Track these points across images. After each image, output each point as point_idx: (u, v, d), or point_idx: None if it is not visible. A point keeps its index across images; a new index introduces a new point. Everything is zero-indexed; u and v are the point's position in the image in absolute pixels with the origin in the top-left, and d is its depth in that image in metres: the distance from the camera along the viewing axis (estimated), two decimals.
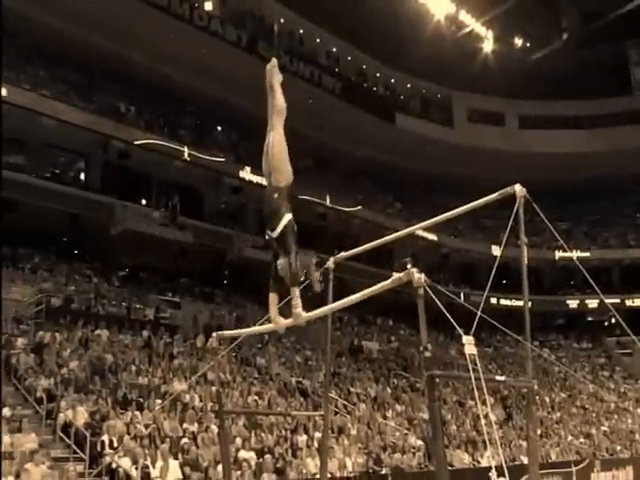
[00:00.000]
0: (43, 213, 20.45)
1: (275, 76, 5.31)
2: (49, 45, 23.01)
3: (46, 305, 17.76)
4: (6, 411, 11.75)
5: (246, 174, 25.70)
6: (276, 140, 5.16)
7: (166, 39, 24.44)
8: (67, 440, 11.86)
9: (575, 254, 31.13)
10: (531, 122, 37.38)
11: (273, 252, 5.17)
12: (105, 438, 11.54)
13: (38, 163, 22.52)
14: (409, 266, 4.07)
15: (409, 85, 36.36)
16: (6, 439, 10.78)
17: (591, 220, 38.73)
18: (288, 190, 5.15)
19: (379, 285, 4.37)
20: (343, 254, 7.16)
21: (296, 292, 4.99)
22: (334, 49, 32.66)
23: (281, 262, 5.03)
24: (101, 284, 21.62)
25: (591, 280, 6.35)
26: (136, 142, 23.27)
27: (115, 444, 11.42)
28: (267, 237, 5.13)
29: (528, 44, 35.06)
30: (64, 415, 12.16)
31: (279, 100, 5.27)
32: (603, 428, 24.10)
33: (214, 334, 6.14)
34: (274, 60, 5.37)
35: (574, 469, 17.99)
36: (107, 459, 11.02)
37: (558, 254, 34.88)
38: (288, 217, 5.03)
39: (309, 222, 26.24)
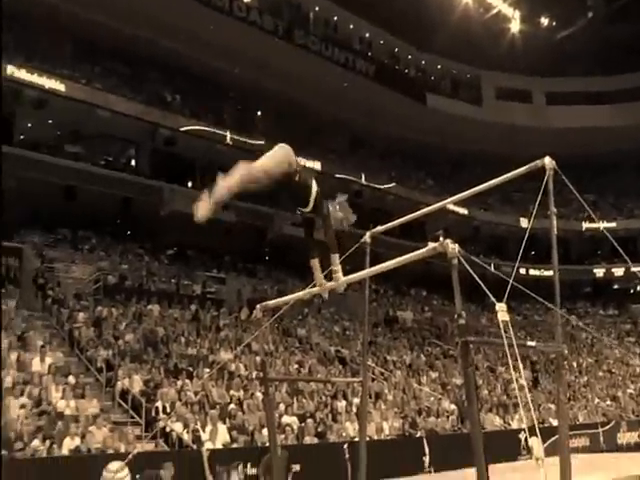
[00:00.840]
0: (99, 198, 20.72)
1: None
2: (101, 41, 23.23)
3: (103, 282, 18.12)
4: (71, 379, 12.12)
5: None
6: (274, 155, 4.53)
7: (207, 30, 24.47)
8: (125, 406, 12.13)
9: (602, 225, 30.38)
10: (557, 99, 36.37)
11: (307, 222, 4.85)
12: (159, 404, 11.71)
13: (93, 152, 22.80)
14: (441, 238, 3.94)
15: (439, 66, 35.72)
16: (72, 403, 11.14)
17: (617, 192, 37.72)
18: (298, 162, 4.69)
19: (415, 253, 4.26)
20: (379, 228, 7.02)
21: (336, 259, 4.78)
22: (367, 34, 32.24)
23: (319, 226, 4.75)
24: (152, 262, 21.93)
25: (619, 248, 6.12)
26: (182, 129, 23.35)
27: (168, 410, 11.57)
28: (300, 213, 4.77)
29: (554, 23, 34.00)
30: (121, 383, 12.40)
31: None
32: (629, 391, 23.69)
33: (258, 306, 6.05)
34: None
35: (601, 430, 17.80)
36: (161, 423, 11.19)
37: (585, 225, 34.15)
38: (315, 186, 4.66)
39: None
